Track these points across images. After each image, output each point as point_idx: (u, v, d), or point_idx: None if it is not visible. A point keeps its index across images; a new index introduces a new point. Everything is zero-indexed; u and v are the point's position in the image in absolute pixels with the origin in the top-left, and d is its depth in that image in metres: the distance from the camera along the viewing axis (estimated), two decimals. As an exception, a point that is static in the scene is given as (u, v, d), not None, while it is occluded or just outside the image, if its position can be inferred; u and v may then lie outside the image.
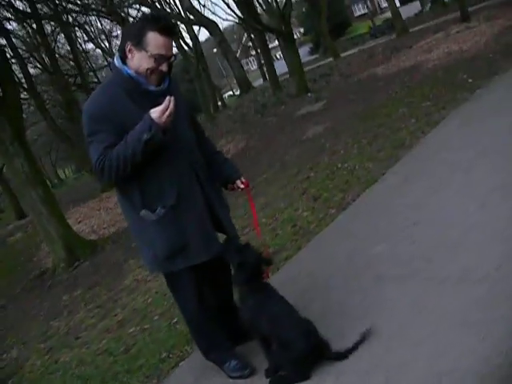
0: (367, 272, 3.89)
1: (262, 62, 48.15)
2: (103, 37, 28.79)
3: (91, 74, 28.15)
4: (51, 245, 10.09)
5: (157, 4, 25.24)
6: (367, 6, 50.77)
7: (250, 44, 58.44)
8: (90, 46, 27.87)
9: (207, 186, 3.14)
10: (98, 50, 30.19)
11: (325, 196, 6.27)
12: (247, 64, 69.83)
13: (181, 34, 30.93)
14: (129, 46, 2.79)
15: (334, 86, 18.94)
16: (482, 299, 3.04)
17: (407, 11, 40.85)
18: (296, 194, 6.97)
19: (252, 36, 50.06)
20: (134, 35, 2.78)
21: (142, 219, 2.97)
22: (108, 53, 24.00)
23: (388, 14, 45.32)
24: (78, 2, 17.56)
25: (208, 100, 31.82)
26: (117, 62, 2.88)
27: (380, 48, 25.33)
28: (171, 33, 2.87)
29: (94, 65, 31.17)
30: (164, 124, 2.70)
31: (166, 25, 2.80)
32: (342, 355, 2.97)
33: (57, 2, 16.21)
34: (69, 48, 23.04)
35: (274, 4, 21.06)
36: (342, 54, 33.01)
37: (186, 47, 31.62)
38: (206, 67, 33.41)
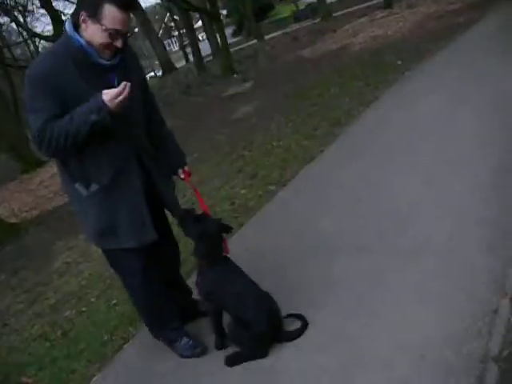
0: (318, 246, 3.85)
1: (185, 43, 47.68)
2: (18, 11, 27.44)
3: (5, 50, 26.73)
4: (-31, 229, 9.47)
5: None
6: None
7: (173, 24, 57.52)
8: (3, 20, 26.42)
9: (151, 169, 3.00)
10: (12, 25, 28.83)
11: (262, 173, 6.18)
12: (169, 45, 68.55)
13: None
14: (83, 16, 2.54)
15: (260, 67, 18.87)
16: (438, 270, 3.08)
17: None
18: (231, 172, 6.84)
19: (175, 17, 49.35)
20: (90, 5, 2.52)
21: (77, 190, 2.84)
22: (24, 28, 22.80)
23: (310, -1, 45.91)
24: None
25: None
26: (68, 28, 2.62)
27: (304, 31, 25.54)
28: (130, 7, 2.61)
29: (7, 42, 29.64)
30: (114, 108, 2.53)
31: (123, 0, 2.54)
32: (293, 336, 2.92)
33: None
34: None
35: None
36: (266, 37, 32.99)
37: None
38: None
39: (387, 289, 3.08)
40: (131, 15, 2.65)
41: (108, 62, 2.66)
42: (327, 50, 16.11)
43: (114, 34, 2.54)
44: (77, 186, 2.82)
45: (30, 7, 26.51)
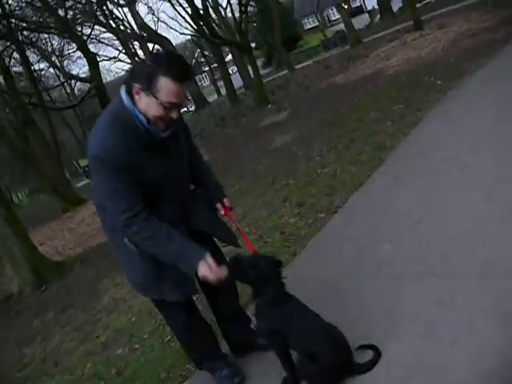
0: (380, 272, 3.73)
1: (216, 77, 48.29)
2: (54, 56, 28.27)
3: (44, 93, 27.49)
4: (16, 268, 9.55)
5: (111, 22, 24.90)
6: (317, 19, 51.46)
7: (203, 60, 58.41)
8: (40, 66, 27.27)
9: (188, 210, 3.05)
10: (48, 71, 29.68)
11: (310, 202, 6.09)
12: (200, 80, 69.64)
13: (135, 50, 30.64)
14: (136, 89, 2.53)
15: (293, 96, 18.93)
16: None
17: (357, 24, 41.32)
18: (277, 202, 6.77)
19: (205, 52, 50.14)
20: (144, 79, 2.49)
21: (125, 245, 2.85)
22: (62, 71, 23.46)
23: (337, 27, 46.17)
24: (31, 20, 17.13)
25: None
26: (125, 99, 2.59)
27: (335, 59, 25.60)
28: (185, 78, 2.57)
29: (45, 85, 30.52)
30: (201, 277, 2.68)
31: (180, 70, 2.51)
32: (366, 368, 2.80)
33: (10, 20, 15.74)
34: (18, 68, 22.68)
35: (231, 15, 20.95)
36: (297, 67, 33.20)
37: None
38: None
39: (459, 313, 2.93)
40: (186, 87, 2.64)
41: (165, 135, 2.67)
42: (361, 75, 16.06)
43: (169, 106, 2.52)
44: (126, 241, 2.82)
45: (65, 51, 27.22)
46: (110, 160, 2.52)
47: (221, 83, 51.00)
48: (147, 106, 2.52)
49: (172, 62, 2.49)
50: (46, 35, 23.38)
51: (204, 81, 75.57)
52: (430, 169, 5.24)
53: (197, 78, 52.02)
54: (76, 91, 41.87)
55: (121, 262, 3.06)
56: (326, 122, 10.96)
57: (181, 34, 35.87)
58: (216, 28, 22.63)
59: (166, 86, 2.45)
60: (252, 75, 21.72)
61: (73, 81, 30.40)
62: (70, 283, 8.80)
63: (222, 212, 3.19)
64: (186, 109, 51.88)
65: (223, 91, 48.32)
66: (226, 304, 3.42)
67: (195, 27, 19.98)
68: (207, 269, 2.61)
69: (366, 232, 4.54)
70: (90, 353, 5.16)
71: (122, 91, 2.60)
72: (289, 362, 2.87)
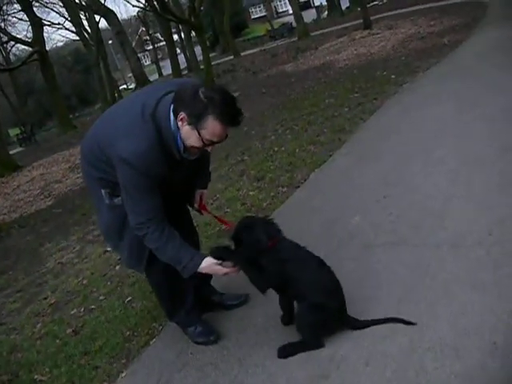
0: (351, 241, 3.81)
1: (159, 57, 47.57)
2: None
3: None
4: None
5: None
6: (265, 9, 51.53)
7: (147, 38, 57.35)
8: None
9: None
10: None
11: (269, 176, 6.13)
12: (141, 59, 68.42)
13: (81, 20, 29.70)
14: (181, 116, 2.51)
15: (241, 81, 18.92)
16: (483, 261, 3.05)
17: (304, 18, 41.88)
18: (234, 176, 6.77)
19: (149, 31, 49.27)
20: (193, 112, 2.47)
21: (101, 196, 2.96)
22: (1, 31, 22.45)
23: (284, 19, 46.42)
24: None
25: (105, 90, 30.74)
26: (172, 120, 2.58)
27: (283, 49, 25.80)
28: (236, 125, 2.57)
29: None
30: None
31: (232, 117, 2.51)
32: (362, 324, 2.84)
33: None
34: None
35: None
36: (243, 54, 33.15)
37: (85, 33, 30.33)
38: (105, 55, 32.21)
39: (435, 280, 3.04)
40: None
41: (192, 158, 2.74)
42: (310, 65, 16.25)
43: (209, 143, 2.55)
44: (102, 191, 2.89)
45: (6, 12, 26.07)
46: (138, 168, 2.56)
47: (162, 63, 50.36)
48: (188, 135, 2.54)
49: (225, 105, 2.46)
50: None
51: (145, 60, 74.33)
52: (393, 151, 5.39)
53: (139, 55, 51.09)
54: (11, 56, 40.26)
55: (94, 206, 3.14)
56: (277, 106, 11.05)
57: (133, 6, 35.29)
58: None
59: (213, 127, 2.47)
60: (199, 57, 21.57)
61: (11, 44, 29.19)
62: (7, 247, 8.42)
63: (196, 205, 3.30)
64: (125, 86, 51.00)
65: (164, 72, 47.76)
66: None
67: (147, 1, 19.59)
68: (208, 269, 2.79)
69: (333, 205, 4.62)
70: (39, 314, 4.94)
71: (171, 115, 2.58)
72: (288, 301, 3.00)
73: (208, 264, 2.75)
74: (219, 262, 2.75)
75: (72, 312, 4.63)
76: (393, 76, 9.47)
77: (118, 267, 5.22)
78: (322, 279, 2.80)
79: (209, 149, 2.61)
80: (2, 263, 7.41)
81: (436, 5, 21.94)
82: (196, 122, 2.46)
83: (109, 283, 4.92)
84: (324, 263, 2.87)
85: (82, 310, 4.59)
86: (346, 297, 2.87)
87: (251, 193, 5.84)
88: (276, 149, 7.26)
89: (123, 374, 3.33)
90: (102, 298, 4.67)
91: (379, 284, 3.16)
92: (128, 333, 3.79)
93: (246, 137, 9.02)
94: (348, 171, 5.33)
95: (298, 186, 5.46)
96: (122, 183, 2.66)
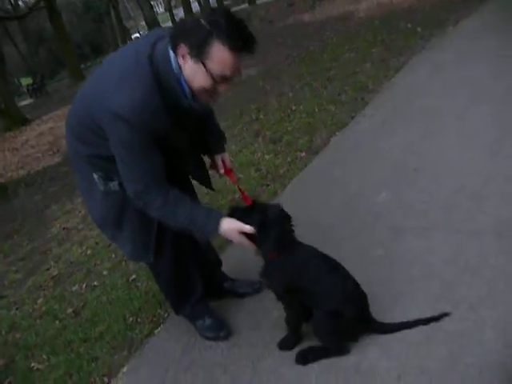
0: (377, 223, 3.42)
1: (173, 4, 46.51)
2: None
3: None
4: (-48, 189, 8.83)
5: None
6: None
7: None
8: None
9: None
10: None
11: (286, 139, 5.71)
12: (155, 7, 66.97)
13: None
14: (183, 50, 2.04)
15: (256, 30, 17.73)
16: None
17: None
18: (248, 136, 6.36)
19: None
20: (195, 42, 1.99)
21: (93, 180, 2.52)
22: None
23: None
24: None
25: (117, 38, 30.11)
26: (173, 61, 2.09)
27: (299, -3, 24.78)
28: (246, 49, 2.01)
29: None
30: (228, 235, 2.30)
31: (241, 39, 1.97)
32: (390, 328, 2.47)
33: None
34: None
35: None
36: (258, 2, 32.09)
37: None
38: (116, 3, 31.27)
39: (477, 275, 2.64)
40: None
41: (201, 108, 2.23)
42: (329, 15, 15.52)
43: (221, 80, 2.05)
44: (94, 176, 2.47)
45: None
46: (134, 122, 2.08)
47: (175, 11, 49.20)
48: (193, 74, 2.06)
49: (233, 28, 1.96)
50: None
51: (158, 8, 72.75)
52: (422, 116, 4.91)
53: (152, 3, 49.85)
54: (20, 3, 39.37)
55: (81, 191, 2.70)
56: (294, 58, 10.55)
57: None
58: None
59: (221, 55, 1.98)
60: (213, 5, 20.86)
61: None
62: (13, 208, 8.16)
63: (222, 171, 2.76)
64: (138, 34, 50.04)
65: (178, 20, 46.62)
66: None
67: None
68: (230, 231, 2.28)
69: (356, 177, 4.21)
70: (40, 287, 4.69)
71: (170, 51, 2.09)
72: (298, 320, 2.57)
73: (230, 225, 2.28)
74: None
75: (74, 288, 4.36)
76: (419, 29, 8.84)
77: (123, 237, 4.90)
78: (337, 283, 2.42)
79: (221, 88, 2.09)
80: (8, 226, 7.16)
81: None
82: (200, 52, 1.99)
83: (113, 255, 4.64)
84: (338, 265, 2.48)
85: (84, 286, 4.32)
86: (371, 290, 2.52)
87: (266, 157, 5.44)
88: (294, 107, 6.82)
89: (124, 369, 3.02)
90: (105, 273, 4.39)
91: (410, 277, 2.79)
92: (131, 319, 3.50)
93: (261, 92, 8.56)
94: (373, 137, 4.89)
95: (318, 152, 5.04)
96: (114, 148, 2.19)
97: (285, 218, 2.41)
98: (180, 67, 2.08)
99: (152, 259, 2.67)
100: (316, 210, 3.88)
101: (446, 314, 2.40)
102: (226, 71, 2.02)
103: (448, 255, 2.86)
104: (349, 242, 3.29)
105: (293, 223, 2.43)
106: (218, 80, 2.04)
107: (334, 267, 2.45)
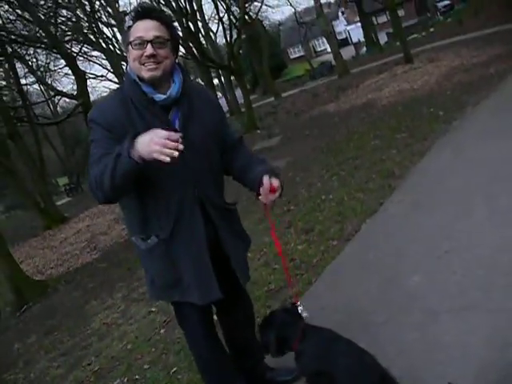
0: (413, 306, 3.46)
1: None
2: (39, 72, 27.92)
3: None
4: (-4, 287, 9.10)
5: (100, 41, 24.68)
6: (304, 49, 51.84)
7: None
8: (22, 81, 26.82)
9: (218, 222, 2.68)
10: (31, 86, 29.38)
11: (318, 228, 5.84)
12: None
13: (123, 71, 30.40)
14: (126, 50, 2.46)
15: (283, 123, 18.84)
16: None
17: (343, 55, 41.98)
18: (280, 228, 6.49)
19: (191, 76, 50.08)
20: (124, 38, 2.46)
21: (136, 244, 2.65)
22: (50, 87, 23.19)
23: (323, 58, 46.62)
24: (21, 33, 16.91)
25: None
26: (128, 67, 2.49)
27: (323, 88, 25.67)
28: (147, 16, 2.37)
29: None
30: (147, 156, 2.13)
31: (139, 10, 2.40)
32: None
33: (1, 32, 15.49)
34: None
35: (224, 40, 20.96)
36: (283, 95, 33.23)
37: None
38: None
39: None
40: (158, 25, 2.38)
41: (163, 96, 2.43)
42: (353, 104, 16.02)
43: (139, 44, 2.34)
44: (133, 239, 2.64)
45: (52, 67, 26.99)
46: (97, 120, 2.41)
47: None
48: (129, 57, 2.41)
49: (135, 9, 2.44)
50: (32, 51, 23.16)
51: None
52: (450, 198, 5.03)
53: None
54: (59, 108, 41.46)
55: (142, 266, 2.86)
56: (321, 149, 10.81)
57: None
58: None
59: (133, 30, 2.38)
60: (240, 100, 21.66)
61: (57, 97, 30.07)
62: (53, 304, 8.35)
63: (266, 185, 2.46)
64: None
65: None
66: (242, 331, 3.15)
67: (186, 49, 19.83)
68: (148, 141, 2.12)
69: (388, 261, 4.28)
70: (82, 382, 4.77)
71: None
72: None
73: (151, 137, 2.13)
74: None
75: (115, 383, 4.40)
76: (441, 113, 9.11)
77: (162, 330, 5.02)
78: (361, 371, 2.40)
79: (146, 52, 2.32)
80: (48, 323, 7.32)
81: (477, 34, 21.54)
82: (127, 41, 2.39)
83: (153, 349, 4.69)
84: (363, 352, 2.48)
85: (126, 380, 4.37)
86: (410, 373, 2.55)
87: (299, 247, 5.55)
88: (323, 197, 6.99)
89: None
90: (146, 366, 4.43)
91: (449, 360, 2.81)
92: (174, 410, 3.53)
93: (290, 184, 8.77)
94: (402, 222, 5.00)
95: (349, 239, 5.15)
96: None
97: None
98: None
99: (220, 295, 2.65)
100: (351, 297, 3.95)
101: None
102: (139, 33, 2.33)
103: (487, 335, 2.88)
104: (385, 327, 3.34)
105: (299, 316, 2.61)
106: (139, 45, 2.34)
107: (356, 353, 2.47)
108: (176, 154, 2.07)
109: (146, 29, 2.34)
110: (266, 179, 2.47)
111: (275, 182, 2.50)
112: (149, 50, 2.33)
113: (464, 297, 3.33)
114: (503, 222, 4.11)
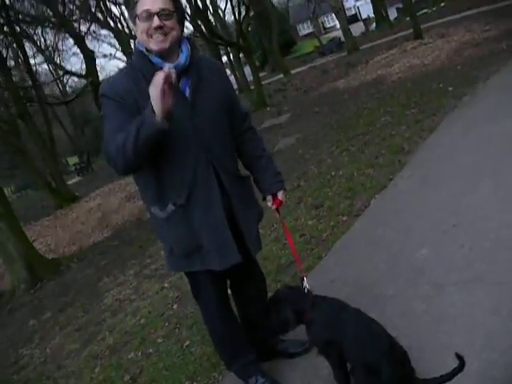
0: (420, 279, 3.51)
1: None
2: (48, 52, 27.90)
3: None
4: (10, 264, 9.22)
5: (108, 20, 24.62)
6: (313, 25, 51.43)
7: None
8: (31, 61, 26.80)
9: (231, 189, 2.73)
10: (40, 66, 29.41)
11: (328, 204, 5.89)
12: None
13: (131, 49, 30.35)
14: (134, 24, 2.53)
15: (293, 100, 18.78)
16: None
17: (352, 32, 41.42)
18: (290, 203, 6.55)
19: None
20: (131, 12, 2.51)
21: (155, 215, 2.70)
22: (58, 66, 23.24)
23: (332, 34, 46.17)
24: (29, 13, 16.91)
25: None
26: (136, 40, 2.57)
27: (333, 64, 25.48)
28: None
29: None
30: (157, 110, 2.21)
31: None
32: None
33: (9, 12, 15.46)
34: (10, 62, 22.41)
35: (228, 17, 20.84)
36: (292, 72, 33.02)
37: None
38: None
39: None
40: None
41: (172, 65, 2.48)
42: (362, 80, 15.93)
43: (146, 16, 2.40)
44: (153, 209, 2.69)
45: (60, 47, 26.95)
46: (108, 94, 2.50)
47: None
48: (137, 30, 2.49)
49: None
50: (40, 30, 23.19)
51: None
52: (459, 174, 5.06)
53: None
54: (68, 88, 41.48)
55: (160, 240, 2.97)
56: (331, 125, 10.81)
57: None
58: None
59: (139, 3, 2.43)
60: (249, 78, 21.60)
61: (66, 77, 30.08)
62: (67, 282, 8.51)
63: (270, 204, 2.94)
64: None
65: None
66: (254, 305, 3.18)
67: (194, 27, 19.74)
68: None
69: (396, 236, 4.34)
70: (97, 356, 4.89)
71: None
72: (345, 376, 2.62)
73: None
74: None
75: (129, 356, 4.53)
76: (450, 88, 9.06)
77: (175, 306, 5.12)
78: (370, 340, 2.47)
79: (154, 24, 2.38)
80: (62, 300, 7.48)
81: (489, 8, 21.19)
82: (134, 13, 2.45)
83: (166, 324, 4.79)
84: (371, 321, 2.56)
85: (140, 354, 4.48)
86: (416, 345, 2.61)
87: (309, 222, 5.61)
88: (333, 173, 7.03)
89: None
90: (159, 340, 4.54)
91: (455, 330, 2.87)
92: (187, 383, 3.62)
93: (301, 160, 8.83)
94: (411, 197, 5.03)
95: (359, 215, 5.20)
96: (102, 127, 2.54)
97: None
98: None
99: (239, 258, 2.73)
100: (360, 271, 4.01)
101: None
102: (146, 6, 2.38)
103: (492, 307, 2.93)
104: (394, 299, 3.40)
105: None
106: (146, 18, 2.40)
107: (365, 322, 2.54)
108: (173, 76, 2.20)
109: (152, 2, 2.40)
110: (280, 195, 2.93)
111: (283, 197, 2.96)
112: (156, 21, 2.39)
113: (470, 270, 3.38)
114: (508, 196, 4.14)
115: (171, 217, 2.62)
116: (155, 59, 2.49)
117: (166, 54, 2.49)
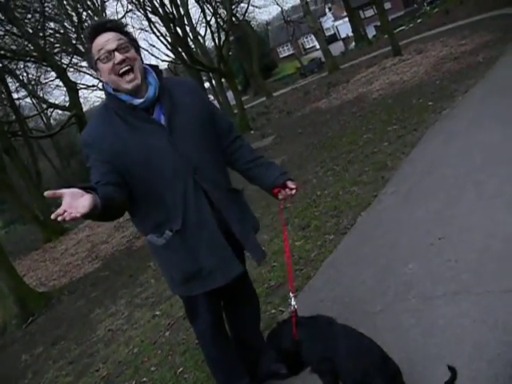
0: (409, 293, 3.55)
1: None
2: (30, 86, 27.94)
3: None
4: (0, 300, 9.13)
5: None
6: (293, 47, 52.05)
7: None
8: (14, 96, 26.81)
9: (222, 205, 2.73)
10: (23, 100, 29.35)
11: (314, 224, 5.92)
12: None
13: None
14: (96, 70, 2.57)
15: (276, 122, 18.94)
16: None
17: (332, 51, 41.90)
18: (278, 225, 6.57)
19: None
20: (89, 60, 2.55)
21: (152, 243, 2.72)
22: (42, 100, 23.28)
23: (312, 55, 46.73)
24: (10, 48, 16.98)
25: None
26: (105, 84, 2.59)
27: (314, 85, 25.78)
28: (102, 30, 2.48)
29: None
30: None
31: (94, 27, 2.53)
32: None
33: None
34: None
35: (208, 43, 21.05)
36: (275, 94, 33.34)
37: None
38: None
39: (508, 332, 2.75)
40: (115, 34, 2.49)
41: (141, 99, 2.52)
42: (344, 99, 16.12)
43: (107, 57, 2.45)
44: (149, 237, 2.72)
45: (43, 80, 27.02)
46: (83, 137, 2.57)
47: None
48: (102, 73, 2.50)
49: (89, 29, 2.57)
50: (22, 65, 23.21)
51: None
52: (441, 186, 5.13)
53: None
54: (52, 121, 41.44)
55: (159, 267, 3.02)
56: (315, 146, 10.90)
57: (162, 60, 35.60)
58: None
59: (94, 48, 2.47)
60: (232, 102, 21.76)
61: (50, 110, 30.14)
62: (58, 315, 8.43)
63: (283, 195, 2.90)
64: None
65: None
66: (247, 328, 3.26)
67: (175, 54, 19.93)
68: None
69: (383, 252, 4.38)
70: (91, 388, 4.87)
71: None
72: None
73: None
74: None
75: (124, 386, 4.50)
76: (430, 103, 9.21)
77: (167, 333, 5.09)
78: (360, 356, 2.45)
79: (116, 60, 2.42)
80: (54, 333, 7.40)
81: (463, 22, 21.67)
82: (92, 60, 2.50)
83: (159, 351, 4.77)
84: (361, 336, 2.54)
85: (134, 383, 4.45)
86: (407, 358, 2.63)
87: (297, 243, 5.63)
88: (319, 193, 7.08)
89: None
90: (153, 368, 4.52)
91: (444, 342, 2.90)
92: (184, 410, 3.61)
93: (286, 182, 8.86)
94: (396, 212, 5.09)
95: (345, 233, 5.24)
96: None
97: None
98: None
99: (242, 268, 2.81)
100: (349, 288, 4.04)
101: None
102: (101, 48, 2.43)
103: (480, 317, 2.97)
104: (383, 315, 3.43)
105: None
106: (107, 58, 2.44)
107: (355, 337, 2.54)
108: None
109: (106, 41, 2.45)
110: (290, 184, 2.87)
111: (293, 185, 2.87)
112: (118, 56, 2.43)
113: (457, 281, 3.42)
114: (491, 205, 4.22)
115: (169, 243, 2.65)
116: (125, 97, 2.51)
117: (135, 90, 2.52)
